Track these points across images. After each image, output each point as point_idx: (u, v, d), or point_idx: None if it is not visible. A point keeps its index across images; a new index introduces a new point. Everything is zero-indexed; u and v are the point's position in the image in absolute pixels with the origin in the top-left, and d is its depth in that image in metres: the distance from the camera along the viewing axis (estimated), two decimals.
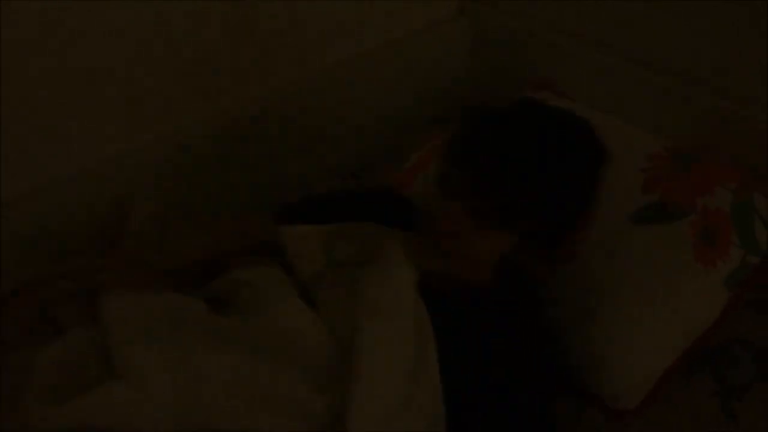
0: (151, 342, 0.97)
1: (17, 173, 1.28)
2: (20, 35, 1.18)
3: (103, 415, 0.92)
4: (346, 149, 1.75)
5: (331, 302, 1.08)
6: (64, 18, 1.22)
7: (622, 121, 1.50)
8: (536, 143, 1.07)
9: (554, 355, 1.18)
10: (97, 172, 1.38)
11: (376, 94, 1.74)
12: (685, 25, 1.44)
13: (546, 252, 1.17)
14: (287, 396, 0.98)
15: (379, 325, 1.02)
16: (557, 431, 1.11)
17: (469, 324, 1.09)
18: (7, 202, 1.28)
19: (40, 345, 0.98)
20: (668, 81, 1.49)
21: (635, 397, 1.22)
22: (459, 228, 1.06)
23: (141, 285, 1.06)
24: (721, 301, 1.26)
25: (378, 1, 1.66)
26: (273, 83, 1.57)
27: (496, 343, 1.08)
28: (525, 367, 1.09)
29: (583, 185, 1.12)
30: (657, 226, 1.26)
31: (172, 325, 1.02)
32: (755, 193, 1.31)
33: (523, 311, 1.16)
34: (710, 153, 1.40)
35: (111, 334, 0.98)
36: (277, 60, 1.56)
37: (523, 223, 1.08)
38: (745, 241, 1.27)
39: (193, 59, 1.42)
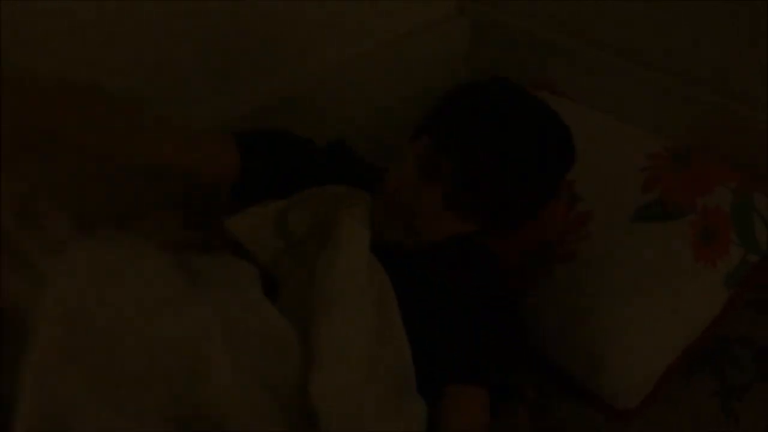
0: None
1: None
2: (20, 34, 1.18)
3: None
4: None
5: (292, 289, 1.07)
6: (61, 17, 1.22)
7: (621, 120, 1.51)
8: (532, 145, 1.08)
9: (521, 331, 1.19)
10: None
11: (375, 94, 1.74)
12: (685, 24, 1.43)
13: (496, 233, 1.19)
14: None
15: (334, 317, 1.00)
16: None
17: (432, 274, 1.11)
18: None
19: None
20: (668, 80, 1.48)
21: (635, 397, 1.22)
22: (429, 209, 1.07)
23: None
24: (720, 300, 1.26)
25: (377, 0, 1.66)
26: (272, 83, 1.57)
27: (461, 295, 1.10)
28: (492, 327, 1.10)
29: (557, 185, 1.18)
30: (657, 225, 1.27)
31: None
32: (755, 193, 1.31)
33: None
34: (710, 153, 1.40)
35: None
36: (276, 60, 1.56)
37: (494, 216, 1.10)
38: (744, 240, 1.27)
39: (191, 59, 1.42)
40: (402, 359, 1.03)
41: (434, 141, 1.09)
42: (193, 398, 0.91)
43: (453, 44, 1.83)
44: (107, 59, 1.30)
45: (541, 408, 1.24)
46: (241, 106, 1.52)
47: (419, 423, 1.01)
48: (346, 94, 1.68)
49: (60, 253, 0.88)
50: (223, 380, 0.92)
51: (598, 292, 1.24)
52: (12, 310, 0.85)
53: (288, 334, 1.00)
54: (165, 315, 0.92)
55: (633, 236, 1.27)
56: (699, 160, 1.37)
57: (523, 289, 1.30)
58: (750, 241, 1.27)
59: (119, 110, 1.04)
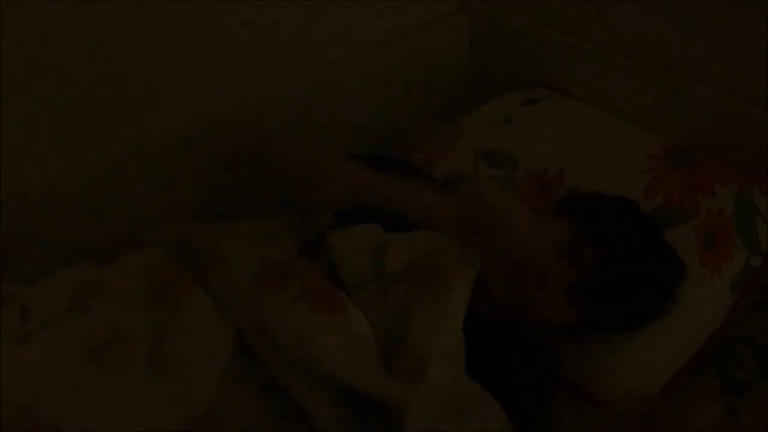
0: None
1: (18, 170, 1.28)
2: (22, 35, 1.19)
3: None
4: (347, 146, 1.75)
5: (372, 316, 1.06)
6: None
7: (620, 118, 1.52)
8: (664, 266, 1.17)
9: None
10: (99, 169, 1.38)
11: (375, 91, 1.74)
12: (685, 22, 1.43)
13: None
14: None
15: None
16: None
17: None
18: (7, 200, 1.28)
19: None
20: (668, 78, 1.48)
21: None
22: (554, 287, 1.09)
23: None
24: (727, 305, 1.27)
25: None
26: (272, 82, 1.57)
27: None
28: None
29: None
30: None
31: None
32: (757, 193, 1.31)
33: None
34: (707, 151, 1.41)
35: None
36: (276, 58, 1.55)
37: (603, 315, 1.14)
38: (747, 243, 1.28)
39: (190, 57, 1.41)
40: None
41: (583, 228, 1.12)
42: None
43: (453, 41, 1.82)
44: (104, 59, 1.31)
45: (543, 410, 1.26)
46: (240, 105, 1.52)
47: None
48: (346, 93, 1.68)
49: None
50: None
51: None
52: None
53: None
54: None
55: None
56: (699, 160, 1.37)
57: None
58: (753, 244, 1.28)
59: None
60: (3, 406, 0.92)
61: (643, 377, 1.19)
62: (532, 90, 1.62)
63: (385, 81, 1.74)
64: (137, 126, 1.41)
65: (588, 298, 1.10)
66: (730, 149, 1.40)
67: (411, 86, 1.80)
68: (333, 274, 1.11)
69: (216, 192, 1.51)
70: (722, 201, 1.30)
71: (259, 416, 1.01)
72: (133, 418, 0.96)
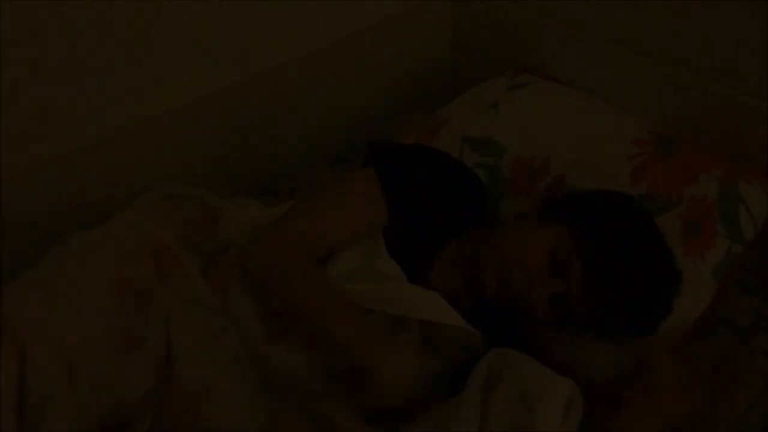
0: None
1: (19, 147, 1.30)
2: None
3: None
4: (331, 134, 1.76)
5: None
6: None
7: (606, 103, 1.52)
8: (661, 280, 1.16)
9: None
10: (99, 148, 1.40)
11: (358, 79, 1.74)
12: (672, 7, 1.43)
13: None
14: None
15: None
16: None
17: None
18: (8, 178, 1.29)
19: None
20: (653, 63, 1.49)
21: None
22: (539, 298, 1.13)
23: None
24: (710, 292, 1.29)
25: None
26: (254, 69, 1.57)
27: None
28: None
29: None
30: None
31: None
32: (740, 182, 1.32)
33: None
34: (695, 137, 1.42)
35: None
36: (260, 47, 1.55)
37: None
38: (730, 231, 1.30)
39: (182, 41, 1.42)
40: None
41: (572, 237, 1.13)
42: None
43: (436, 27, 1.82)
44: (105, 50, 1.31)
45: None
46: (221, 92, 1.52)
47: None
48: (329, 81, 1.68)
49: None
50: None
51: None
52: None
53: None
54: None
55: None
56: (684, 147, 1.38)
57: None
58: (735, 231, 1.30)
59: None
60: None
61: None
62: (517, 75, 1.62)
63: (368, 68, 1.75)
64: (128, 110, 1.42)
65: (572, 308, 1.13)
66: (716, 135, 1.41)
67: (395, 73, 1.80)
68: None
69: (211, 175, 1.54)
70: (706, 189, 1.31)
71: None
72: None
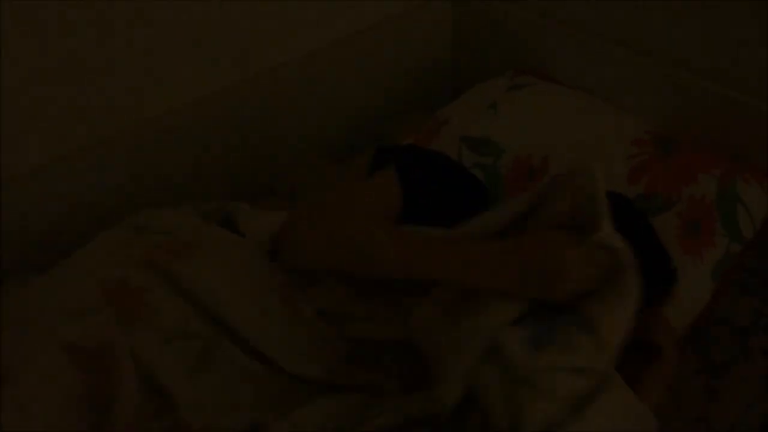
0: None
1: (19, 147, 1.30)
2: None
3: None
4: (331, 133, 1.76)
5: None
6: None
7: (605, 103, 1.52)
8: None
9: None
10: (99, 148, 1.40)
11: (359, 79, 1.75)
12: (672, 7, 1.43)
13: None
14: None
15: None
16: None
17: None
18: (8, 178, 1.30)
19: None
20: (653, 63, 1.49)
21: None
22: None
23: None
24: (708, 292, 1.29)
25: None
26: (255, 70, 1.57)
27: None
28: None
29: None
30: None
31: None
32: (739, 181, 1.33)
33: None
34: (691, 136, 1.42)
35: None
36: (260, 47, 1.55)
37: None
38: (729, 230, 1.30)
39: (182, 41, 1.42)
40: None
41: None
42: None
43: (436, 27, 1.83)
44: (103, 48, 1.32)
45: None
46: (221, 92, 1.52)
47: None
48: (329, 81, 1.69)
49: None
50: None
51: None
52: None
53: None
54: None
55: None
56: (684, 147, 1.39)
57: None
58: (734, 231, 1.30)
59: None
60: None
61: None
62: (516, 76, 1.63)
63: (368, 68, 1.75)
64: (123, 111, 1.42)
65: None
66: (716, 135, 1.42)
67: (395, 73, 1.81)
68: None
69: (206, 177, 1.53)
70: (705, 188, 1.32)
71: None
72: None
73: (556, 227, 1.05)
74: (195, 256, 1.07)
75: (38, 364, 0.95)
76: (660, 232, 1.23)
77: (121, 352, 0.98)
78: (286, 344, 1.06)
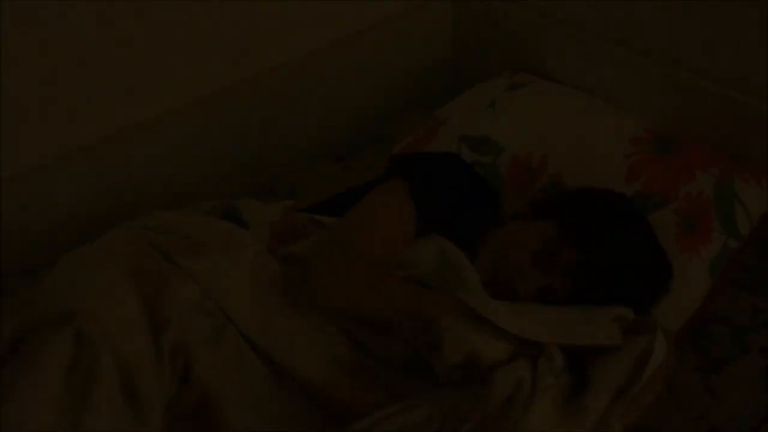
0: None
1: (19, 147, 1.31)
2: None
3: None
4: (331, 133, 1.77)
5: None
6: None
7: (605, 103, 1.52)
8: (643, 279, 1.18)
9: None
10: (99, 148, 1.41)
11: (359, 79, 1.76)
12: (672, 7, 1.44)
13: None
14: None
15: None
16: None
17: None
18: (8, 178, 1.31)
19: None
20: (653, 63, 1.50)
21: None
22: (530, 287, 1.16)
23: None
24: (705, 289, 1.29)
25: None
26: (255, 70, 1.58)
27: None
28: None
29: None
30: None
31: None
32: (736, 179, 1.33)
33: None
34: (690, 135, 1.42)
35: None
36: (259, 47, 1.56)
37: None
38: (726, 227, 1.30)
39: (182, 41, 1.44)
40: None
41: (562, 231, 1.15)
42: None
43: (436, 27, 1.84)
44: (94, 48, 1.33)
45: None
46: (221, 92, 1.54)
47: None
48: (329, 81, 1.70)
49: None
50: None
51: None
52: None
53: None
54: None
55: None
56: (681, 145, 1.39)
57: None
58: (731, 228, 1.30)
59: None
60: None
61: None
62: (515, 75, 1.63)
63: (368, 68, 1.76)
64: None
65: (559, 298, 1.15)
66: (716, 135, 1.42)
67: (395, 73, 1.81)
68: None
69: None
70: (702, 186, 1.32)
71: None
72: None
73: None
74: (203, 256, 1.12)
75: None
76: (657, 230, 1.24)
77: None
78: (288, 345, 1.09)
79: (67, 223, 1.38)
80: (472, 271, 1.14)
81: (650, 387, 1.08)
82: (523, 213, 1.25)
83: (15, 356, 0.97)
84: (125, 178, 1.44)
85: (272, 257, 1.16)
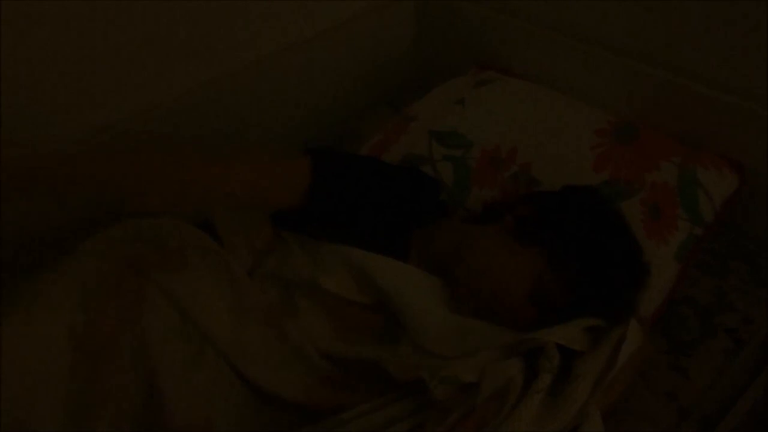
0: None
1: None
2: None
3: None
4: (297, 131, 1.77)
5: None
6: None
7: (568, 96, 1.55)
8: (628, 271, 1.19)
9: None
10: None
11: (324, 77, 1.76)
12: (631, 2, 1.46)
13: None
14: None
15: None
16: None
17: None
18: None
19: None
20: (615, 58, 1.53)
21: None
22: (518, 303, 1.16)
23: None
24: (673, 273, 1.33)
25: None
26: (220, 69, 1.57)
27: None
28: None
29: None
30: None
31: None
32: (698, 167, 1.37)
33: None
34: (651, 123, 1.46)
35: None
36: (225, 46, 1.55)
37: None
38: (690, 214, 1.34)
39: (152, 38, 1.42)
40: None
41: (551, 266, 1.15)
42: None
43: (400, 26, 1.85)
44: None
45: None
46: (189, 90, 1.53)
47: None
48: (295, 80, 1.70)
49: None
50: None
51: None
52: None
53: None
54: None
55: None
56: (644, 134, 1.43)
57: None
58: (695, 215, 1.34)
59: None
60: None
61: None
62: (480, 72, 1.66)
63: (333, 66, 1.76)
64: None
65: (547, 314, 1.16)
66: (676, 125, 1.45)
67: (360, 71, 1.82)
68: None
69: None
70: (666, 174, 1.36)
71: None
72: None
73: None
74: (182, 271, 1.09)
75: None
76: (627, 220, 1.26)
77: (118, 349, 1.01)
78: (265, 364, 1.08)
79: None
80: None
81: (625, 372, 1.11)
82: (506, 227, 1.21)
83: None
84: None
85: (249, 278, 1.14)
